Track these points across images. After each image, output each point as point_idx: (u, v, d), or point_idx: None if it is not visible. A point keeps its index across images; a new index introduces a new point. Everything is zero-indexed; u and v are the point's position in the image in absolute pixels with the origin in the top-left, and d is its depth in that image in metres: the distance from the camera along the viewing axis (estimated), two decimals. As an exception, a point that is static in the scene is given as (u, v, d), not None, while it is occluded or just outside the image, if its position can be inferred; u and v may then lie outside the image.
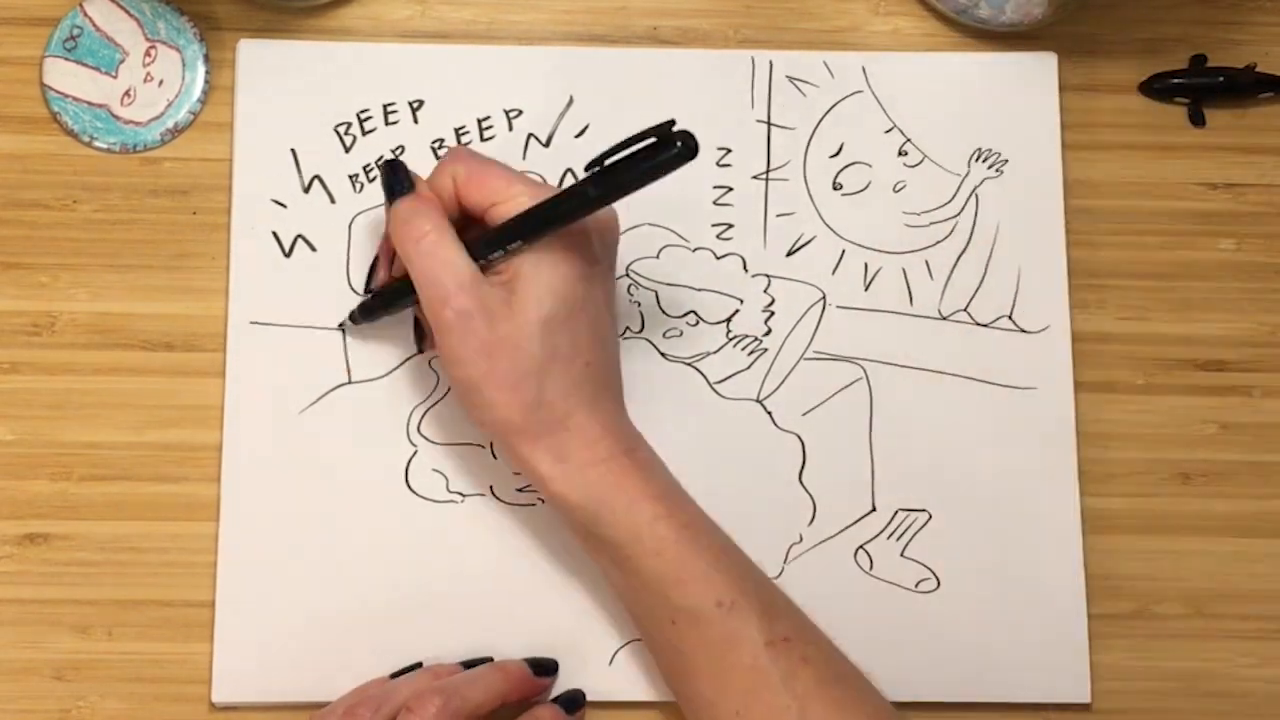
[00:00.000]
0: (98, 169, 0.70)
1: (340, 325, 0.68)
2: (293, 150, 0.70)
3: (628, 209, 0.69)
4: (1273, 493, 0.69)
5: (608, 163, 0.59)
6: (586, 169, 0.59)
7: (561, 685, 0.66)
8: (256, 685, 0.66)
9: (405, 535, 0.67)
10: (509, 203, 0.61)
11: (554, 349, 0.60)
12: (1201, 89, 0.72)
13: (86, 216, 0.69)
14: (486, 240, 0.61)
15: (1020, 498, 0.68)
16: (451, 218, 0.62)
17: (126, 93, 0.70)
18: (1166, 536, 0.69)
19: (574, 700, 0.65)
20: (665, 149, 0.57)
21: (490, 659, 0.65)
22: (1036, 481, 0.68)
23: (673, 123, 0.57)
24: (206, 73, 0.70)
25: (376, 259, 0.67)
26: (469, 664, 0.65)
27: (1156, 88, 0.72)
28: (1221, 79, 0.72)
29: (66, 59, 0.70)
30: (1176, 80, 0.72)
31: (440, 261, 0.60)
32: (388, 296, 0.66)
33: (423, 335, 0.67)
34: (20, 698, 0.66)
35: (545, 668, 0.65)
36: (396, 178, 0.63)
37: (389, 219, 0.63)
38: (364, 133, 0.70)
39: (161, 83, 0.70)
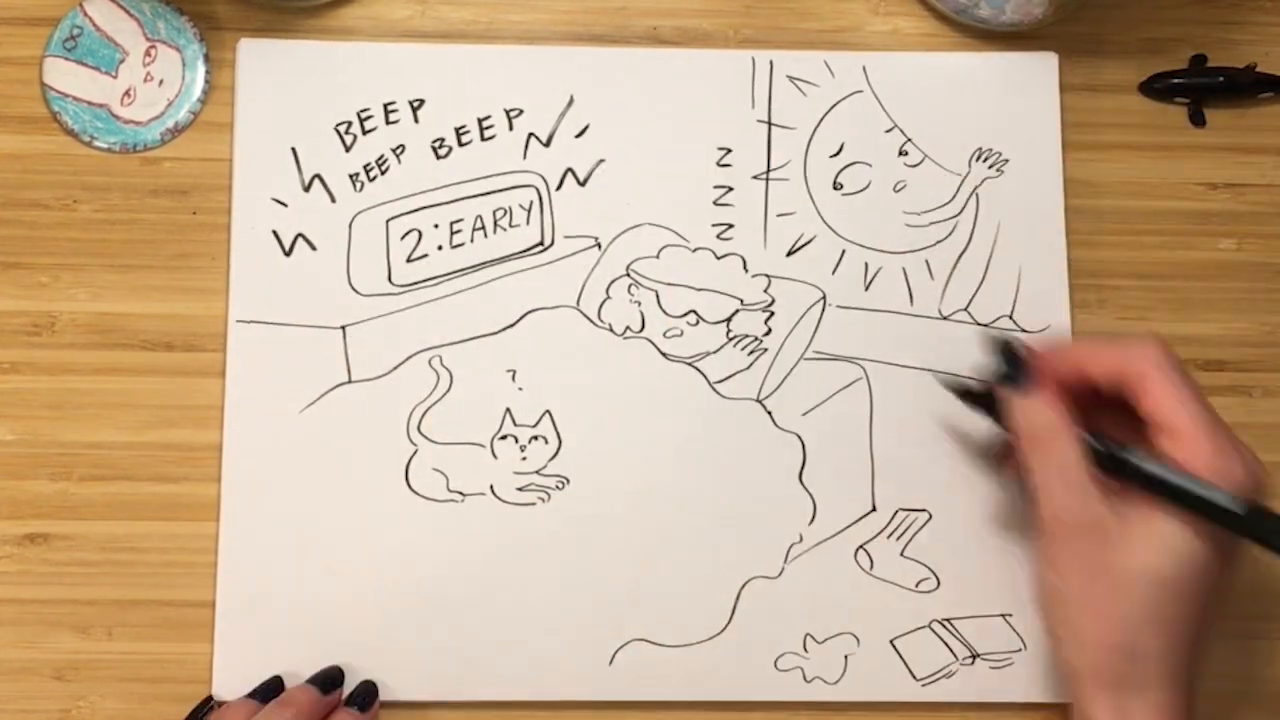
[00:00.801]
0: (98, 169, 0.70)
1: (949, 386, 0.66)
2: (293, 149, 0.70)
3: (628, 207, 0.70)
4: (1273, 493, 0.69)
5: None
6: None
7: (561, 685, 0.66)
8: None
9: (405, 535, 0.67)
10: (1183, 450, 0.57)
11: (1161, 606, 0.57)
12: (1201, 89, 0.72)
13: (86, 216, 0.69)
14: (1135, 470, 0.58)
15: (1020, 497, 0.68)
16: (1076, 388, 0.60)
17: (126, 92, 0.70)
18: (1167, 536, 0.69)
19: (367, 694, 0.65)
20: None
21: (335, 668, 0.65)
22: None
23: None
24: (206, 73, 0.70)
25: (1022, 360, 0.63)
26: (260, 689, 0.64)
27: (1157, 88, 0.72)
28: (1221, 79, 0.72)
29: (66, 59, 0.70)
30: (1177, 80, 0.72)
31: (1062, 469, 0.58)
32: (996, 409, 0.63)
33: (1001, 461, 0.65)
34: (20, 698, 0.66)
35: (331, 680, 0.65)
36: (1014, 363, 0.61)
37: (1020, 425, 0.60)
38: (364, 132, 0.70)
39: (161, 82, 0.70)
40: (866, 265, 0.70)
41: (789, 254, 0.70)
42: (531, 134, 0.70)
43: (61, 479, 0.67)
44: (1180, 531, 0.57)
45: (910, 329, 0.70)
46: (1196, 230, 0.72)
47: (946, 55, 0.72)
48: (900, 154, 0.71)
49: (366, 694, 0.65)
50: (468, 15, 0.72)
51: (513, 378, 0.68)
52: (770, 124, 0.71)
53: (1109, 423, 0.60)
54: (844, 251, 0.70)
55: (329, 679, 0.65)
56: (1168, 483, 0.57)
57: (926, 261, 0.70)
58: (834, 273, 0.70)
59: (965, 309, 0.70)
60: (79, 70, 0.70)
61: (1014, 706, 0.67)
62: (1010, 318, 0.70)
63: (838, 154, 0.71)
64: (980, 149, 0.71)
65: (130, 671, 0.66)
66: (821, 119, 0.71)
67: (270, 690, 0.65)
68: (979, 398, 0.64)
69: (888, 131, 0.71)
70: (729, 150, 0.71)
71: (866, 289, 0.70)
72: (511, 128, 0.70)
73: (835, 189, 0.71)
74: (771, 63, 0.71)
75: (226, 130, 0.70)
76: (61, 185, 0.69)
